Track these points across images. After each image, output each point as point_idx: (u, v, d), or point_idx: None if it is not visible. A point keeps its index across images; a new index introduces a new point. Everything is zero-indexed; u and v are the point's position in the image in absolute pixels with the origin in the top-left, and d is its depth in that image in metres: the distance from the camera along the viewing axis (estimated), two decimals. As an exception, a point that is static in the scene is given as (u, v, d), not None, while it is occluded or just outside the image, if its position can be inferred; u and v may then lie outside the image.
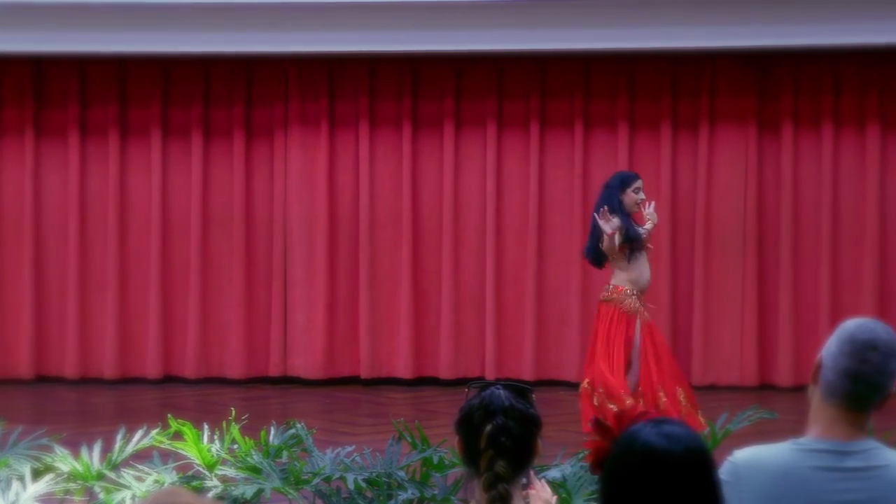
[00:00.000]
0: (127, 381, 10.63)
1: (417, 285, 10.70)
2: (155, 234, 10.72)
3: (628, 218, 8.08)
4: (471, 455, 2.89)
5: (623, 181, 8.19)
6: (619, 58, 10.53)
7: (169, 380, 10.69)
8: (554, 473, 5.11)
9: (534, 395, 3.02)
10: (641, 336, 8.03)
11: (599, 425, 2.60)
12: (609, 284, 8.15)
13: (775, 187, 10.56)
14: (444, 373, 10.61)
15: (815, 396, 2.84)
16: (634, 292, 8.05)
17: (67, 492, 5.41)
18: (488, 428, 2.84)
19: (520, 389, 2.98)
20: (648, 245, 8.21)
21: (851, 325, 2.82)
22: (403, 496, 5.19)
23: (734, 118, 10.58)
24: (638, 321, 8.03)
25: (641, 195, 8.15)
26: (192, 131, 10.76)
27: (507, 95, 10.72)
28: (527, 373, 10.43)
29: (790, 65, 10.51)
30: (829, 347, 2.82)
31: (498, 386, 2.97)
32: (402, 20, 10.09)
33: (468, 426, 2.90)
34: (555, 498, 3.17)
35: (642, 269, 8.12)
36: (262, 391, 10.40)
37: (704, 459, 2.33)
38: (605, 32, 10.06)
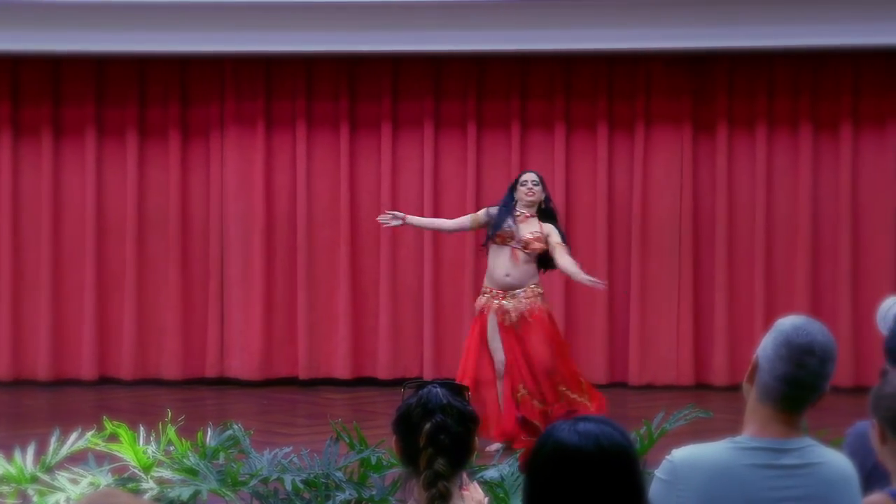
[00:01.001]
0: (61, 382, 10.52)
1: (355, 285, 10.69)
2: (90, 234, 10.61)
3: (506, 212, 8.08)
4: (409, 454, 2.90)
5: (517, 178, 8.29)
6: (556, 58, 10.59)
7: (104, 381, 10.59)
8: (491, 473, 5.12)
9: (469, 394, 3.04)
10: (480, 331, 8.01)
11: (527, 425, 2.62)
12: None
13: (710, 188, 10.67)
14: (383, 373, 10.61)
15: (751, 396, 2.87)
16: (488, 288, 8.06)
17: (0, 495, 5.34)
18: (427, 426, 2.85)
19: (455, 387, 2.99)
20: (512, 242, 8.00)
21: (787, 326, 2.84)
22: (341, 497, 5.18)
23: (669, 119, 10.67)
24: (491, 316, 7.99)
25: (528, 186, 8.08)
26: (127, 131, 10.67)
27: (445, 96, 10.74)
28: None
29: (725, 66, 10.62)
30: (766, 349, 2.84)
31: (434, 384, 2.97)
32: (338, 20, 10.07)
33: (406, 425, 2.90)
34: (486, 499, 3.18)
35: (495, 263, 8.06)
36: (199, 392, 10.34)
37: (620, 456, 2.33)
38: (542, 33, 10.11)
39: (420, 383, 3.01)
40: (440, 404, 2.89)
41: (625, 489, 2.33)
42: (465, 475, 3.00)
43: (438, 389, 2.93)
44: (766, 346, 2.84)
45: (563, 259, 8.05)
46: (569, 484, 2.30)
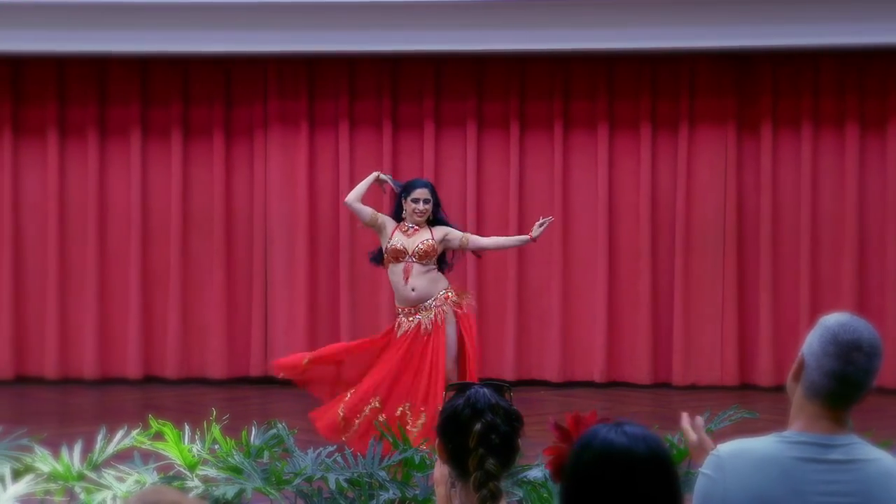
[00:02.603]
0: (107, 381, 10.61)
1: (398, 285, 10.69)
2: (135, 234, 10.69)
3: (393, 227, 7.78)
4: (457, 456, 2.89)
5: (406, 187, 7.81)
6: (599, 58, 10.55)
7: (150, 380, 10.67)
8: (535, 473, 5.11)
9: (511, 393, 3.03)
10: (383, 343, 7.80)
11: (559, 429, 2.61)
12: None
13: (755, 187, 10.60)
14: (427, 372, 10.60)
15: (797, 394, 2.85)
16: (400, 308, 7.75)
17: (48, 492, 5.38)
18: (477, 426, 2.84)
19: (498, 387, 2.98)
20: (405, 258, 7.69)
21: (833, 323, 2.82)
22: (385, 496, 5.19)
23: (714, 119, 10.61)
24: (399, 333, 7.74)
25: (419, 206, 7.65)
26: (172, 131, 10.74)
27: (488, 95, 10.73)
28: (507, 372, 10.44)
29: (770, 65, 10.55)
30: (812, 347, 2.82)
31: (479, 385, 2.97)
32: (382, 20, 10.08)
33: (454, 426, 2.90)
34: None
35: (397, 281, 7.75)
36: (243, 391, 10.39)
37: (665, 458, 2.34)
38: (585, 33, 10.08)
39: (462, 384, 3.01)
40: (489, 404, 2.88)
41: (668, 492, 2.32)
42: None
43: (485, 389, 2.93)
44: (812, 343, 2.82)
45: (484, 240, 7.93)
46: (616, 485, 2.30)
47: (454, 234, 7.76)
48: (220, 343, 10.67)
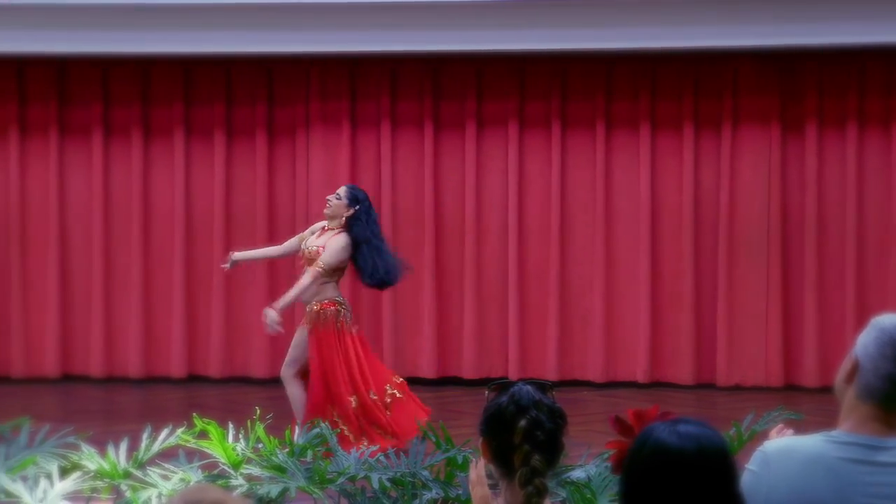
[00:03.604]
0: (152, 380, 10.69)
1: (440, 285, 10.71)
2: (179, 233, 10.76)
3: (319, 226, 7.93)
4: (502, 453, 2.89)
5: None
6: (642, 58, 10.51)
7: (193, 379, 10.73)
8: (578, 473, 5.11)
9: (554, 391, 3.03)
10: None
11: (621, 424, 2.61)
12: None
13: (799, 187, 10.53)
14: (468, 373, 10.62)
15: (849, 395, 2.82)
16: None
17: (94, 490, 5.43)
18: (522, 423, 2.84)
19: (541, 385, 2.99)
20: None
21: (889, 325, 2.79)
22: (428, 496, 5.20)
23: (757, 118, 10.54)
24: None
25: (329, 199, 7.83)
26: (215, 131, 10.80)
27: (529, 95, 10.72)
28: (550, 372, 10.42)
29: (815, 64, 10.46)
30: (867, 348, 2.79)
31: (521, 383, 2.97)
32: (423, 20, 10.09)
33: (499, 424, 2.90)
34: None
35: None
36: (285, 391, 10.39)
37: (720, 458, 2.34)
38: (627, 32, 10.04)
39: (504, 383, 3.01)
40: (533, 401, 2.89)
41: (724, 492, 2.32)
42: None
43: (528, 387, 2.93)
44: (866, 345, 2.79)
45: (297, 284, 7.73)
46: (668, 485, 2.30)
47: (320, 258, 7.64)
48: (262, 342, 10.70)
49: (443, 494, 5.24)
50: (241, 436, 5.70)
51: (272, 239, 10.76)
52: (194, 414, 5.84)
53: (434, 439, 5.67)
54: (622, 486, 2.40)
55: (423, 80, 10.73)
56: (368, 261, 7.72)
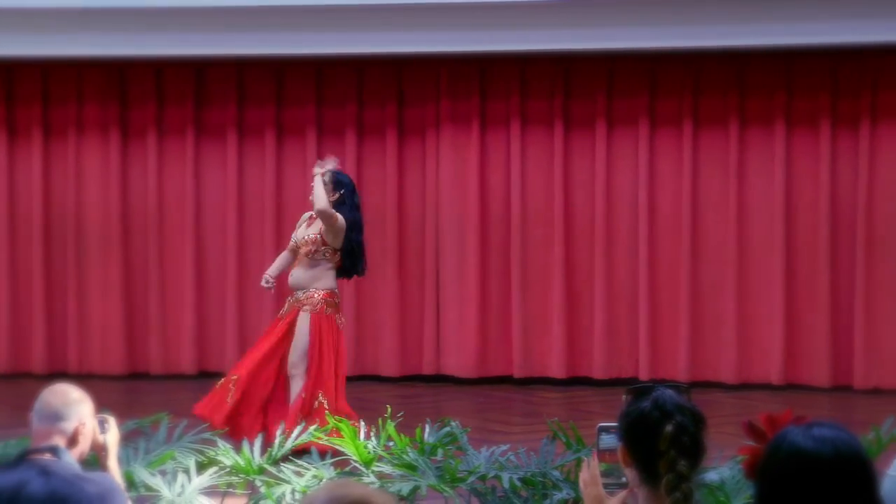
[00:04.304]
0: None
1: (570, 285, 10.66)
2: (310, 232, 10.88)
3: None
4: (645, 460, 2.85)
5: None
6: (778, 55, 10.32)
7: (324, 377, 10.84)
8: (711, 476, 5.04)
9: (690, 394, 2.99)
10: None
11: (753, 429, 2.56)
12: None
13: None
14: (598, 372, 10.56)
15: None
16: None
17: (230, 485, 5.53)
18: (668, 428, 2.81)
19: (679, 388, 2.95)
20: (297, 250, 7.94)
21: None
22: (558, 496, 5.18)
23: (896, 114, 10.28)
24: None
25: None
26: (347, 131, 10.91)
27: (660, 94, 10.60)
28: (681, 373, 10.31)
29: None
30: None
31: (661, 386, 2.93)
32: (554, 19, 10.06)
33: (643, 429, 2.86)
34: None
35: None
36: (416, 389, 10.49)
37: (857, 463, 2.28)
38: (762, 28, 9.88)
39: (642, 387, 2.97)
40: (676, 405, 2.85)
41: (862, 498, 2.26)
42: None
43: (669, 391, 2.89)
44: None
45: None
46: (804, 491, 2.26)
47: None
48: (392, 341, 10.80)
49: (573, 495, 5.21)
50: (372, 434, 5.76)
51: (402, 239, 10.87)
52: (326, 412, 5.91)
53: (564, 439, 5.65)
54: (757, 492, 2.36)
55: (554, 79, 10.69)
56: (350, 249, 7.90)
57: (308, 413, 7.48)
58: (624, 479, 3.05)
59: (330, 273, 7.86)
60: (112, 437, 3.85)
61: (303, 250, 7.88)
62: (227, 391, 7.69)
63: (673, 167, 10.60)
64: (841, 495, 2.26)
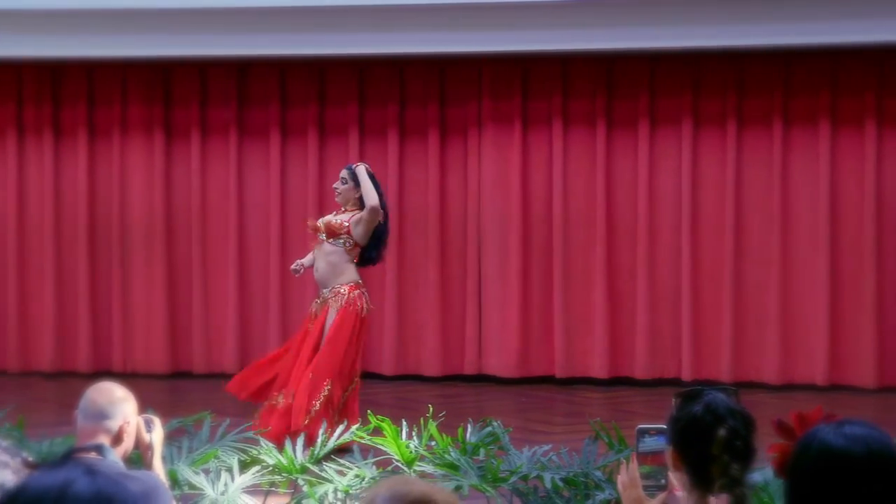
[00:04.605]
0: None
1: (612, 284, 10.63)
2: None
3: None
4: (697, 464, 2.84)
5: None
6: (822, 53, 10.24)
7: (366, 376, 10.84)
8: (755, 477, 5.01)
9: (739, 397, 2.98)
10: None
11: (783, 427, 2.55)
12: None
13: None
14: (640, 373, 10.52)
15: None
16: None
17: (272, 484, 5.56)
18: (721, 432, 2.80)
19: (728, 391, 2.93)
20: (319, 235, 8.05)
21: None
22: (601, 496, 5.17)
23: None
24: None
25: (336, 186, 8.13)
26: (388, 131, 10.93)
27: (704, 93, 10.55)
28: (724, 373, 10.25)
29: None
30: None
31: (711, 390, 2.92)
32: (594, 18, 10.03)
33: (695, 433, 2.85)
34: None
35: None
36: (458, 389, 10.49)
37: (889, 461, 2.26)
38: (807, 26, 9.80)
39: (691, 391, 2.95)
40: (728, 409, 2.84)
41: (893, 497, 2.24)
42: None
43: (720, 394, 2.88)
44: None
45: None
46: (835, 489, 2.24)
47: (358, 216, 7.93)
48: (434, 341, 10.80)
49: (615, 495, 5.20)
50: (414, 433, 5.76)
51: (444, 238, 10.87)
52: (369, 411, 5.92)
53: (607, 440, 5.64)
54: (787, 490, 2.35)
55: (597, 79, 10.66)
56: (377, 237, 8.03)
57: (312, 393, 7.57)
58: (663, 482, 3.04)
59: (351, 266, 7.97)
60: (157, 436, 3.87)
61: (327, 232, 7.95)
62: (273, 397, 7.73)
63: (716, 167, 10.54)
64: (872, 494, 2.23)
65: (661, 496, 3.07)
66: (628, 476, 3.11)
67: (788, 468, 2.35)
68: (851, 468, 2.24)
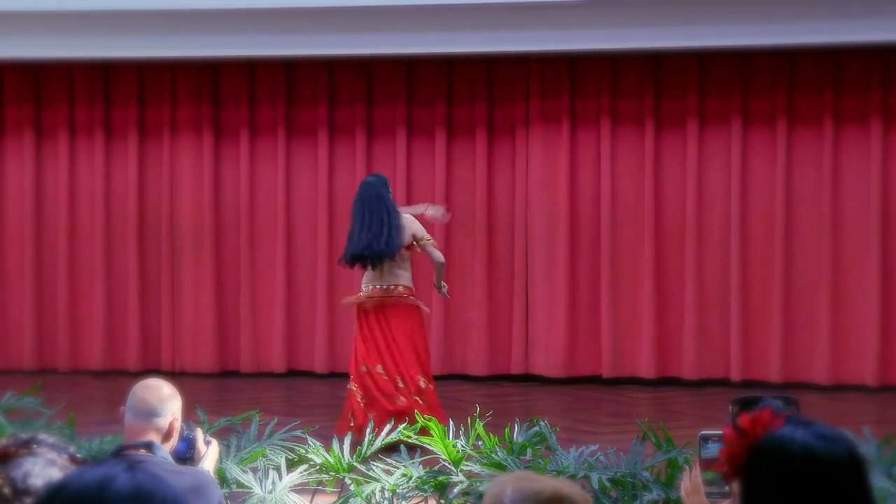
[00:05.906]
0: (373, 376, 10.87)
1: (660, 284, 10.58)
2: (399, 231, 10.92)
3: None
4: None
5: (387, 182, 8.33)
6: (874, 51, 10.14)
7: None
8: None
9: (799, 406, 2.94)
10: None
11: (738, 429, 2.49)
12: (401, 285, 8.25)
13: None
14: (688, 373, 10.46)
15: None
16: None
17: (320, 483, 5.58)
18: None
19: (788, 400, 2.90)
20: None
21: None
22: (648, 497, 5.15)
23: None
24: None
25: None
26: (436, 130, 10.94)
27: (753, 91, 10.48)
28: (773, 375, 10.18)
29: None
30: None
31: (770, 398, 2.89)
32: (644, 17, 9.98)
33: None
34: None
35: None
36: (504, 388, 10.48)
37: (861, 461, 2.23)
38: (856, 24, 9.71)
39: (749, 398, 2.93)
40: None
41: (865, 493, 2.21)
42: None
43: (778, 402, 2.86)
44: None
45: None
46: (811, 489, 2.19)
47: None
48: (481, 340, 10.80)
49: (663, 496, 5.19)
50: (461, 433, 5.77)
51: (491, 238, 10.86)
52: (415, 410, 5.92)
53: (654, 440, 5.61)
54: (753, 494, 2.26)
55: (645, 78, 10.62)
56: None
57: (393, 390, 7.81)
58: (727, 489, 3.01)
59: (406, 265, 8.42)
60: (213, 450, 3.92)
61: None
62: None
63: (766, 166, 10.47)
64: (846, 495, 2.19)
65: (725, 503, 3.04)
66: (691, 483, 3.09)
67: (756, 471, 2.26)
68: (833, 469, 2.19)
